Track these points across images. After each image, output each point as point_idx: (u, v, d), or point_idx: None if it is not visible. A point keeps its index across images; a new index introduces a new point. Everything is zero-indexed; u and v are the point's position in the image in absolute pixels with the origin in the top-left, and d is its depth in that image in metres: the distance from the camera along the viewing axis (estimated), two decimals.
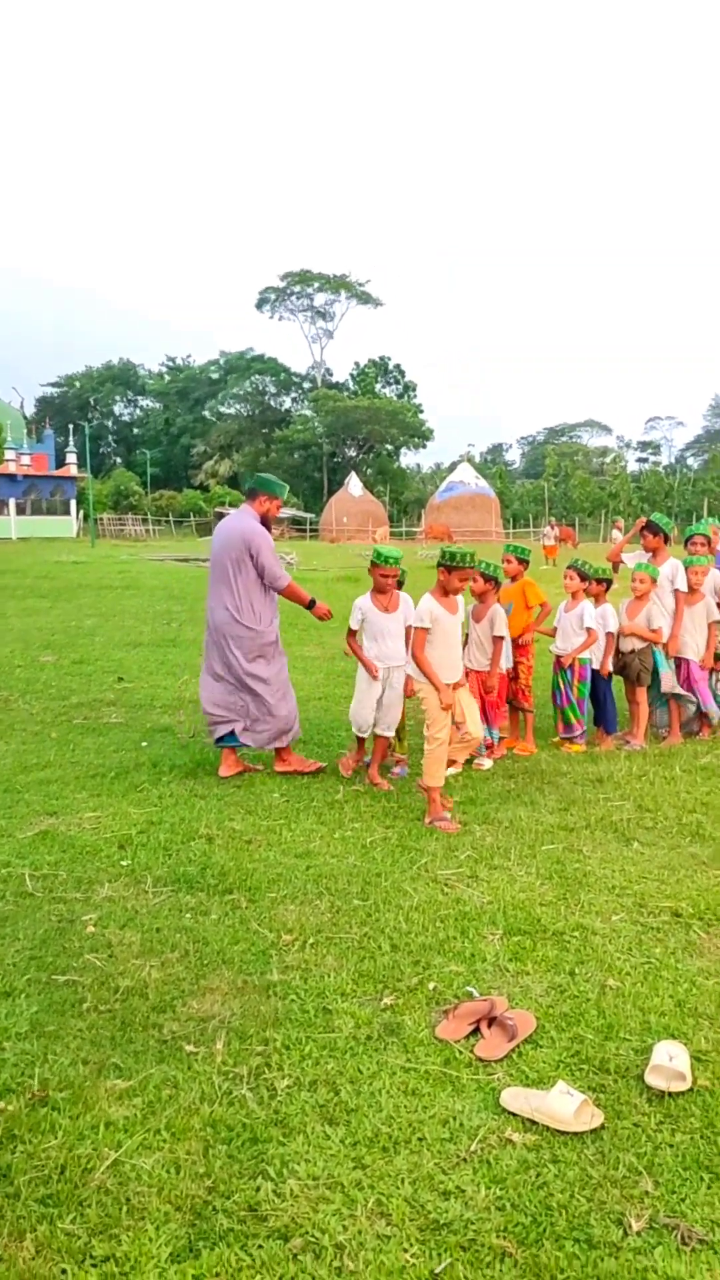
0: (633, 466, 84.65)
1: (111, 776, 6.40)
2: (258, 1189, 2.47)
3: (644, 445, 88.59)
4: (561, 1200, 2.44)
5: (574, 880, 4.63)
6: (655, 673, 7.53)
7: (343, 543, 55.73)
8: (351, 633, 6.55)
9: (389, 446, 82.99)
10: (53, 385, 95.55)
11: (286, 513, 67.29)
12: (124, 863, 4.79)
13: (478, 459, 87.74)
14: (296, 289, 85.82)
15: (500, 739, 7.19)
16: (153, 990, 3.50)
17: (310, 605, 6.57)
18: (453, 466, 71.59)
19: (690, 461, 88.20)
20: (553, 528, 36.81)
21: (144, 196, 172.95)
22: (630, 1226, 2.35)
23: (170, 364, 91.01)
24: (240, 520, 6.51)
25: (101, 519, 65.27)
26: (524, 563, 7.53)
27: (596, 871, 4.75)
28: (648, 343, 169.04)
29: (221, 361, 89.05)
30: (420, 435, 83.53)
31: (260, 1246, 2.28)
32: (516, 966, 3.72)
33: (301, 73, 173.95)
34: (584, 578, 7.31)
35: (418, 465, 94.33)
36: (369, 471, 75.91)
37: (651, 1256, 2.26)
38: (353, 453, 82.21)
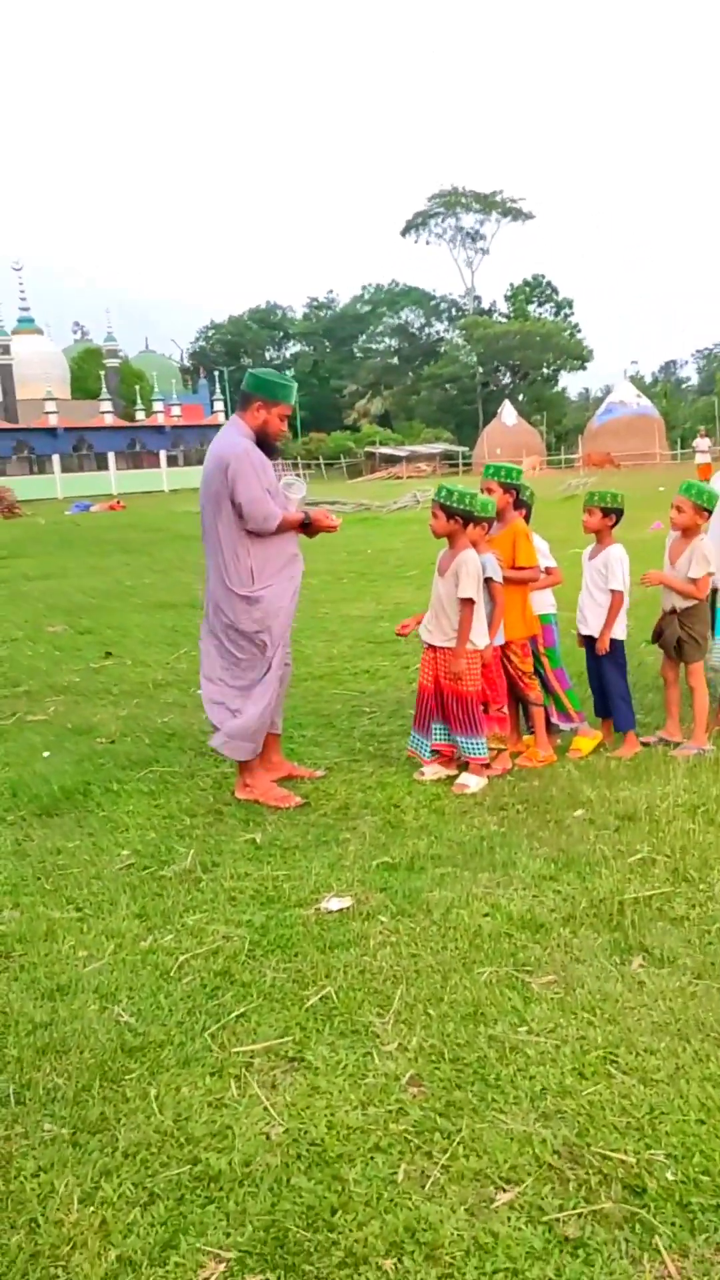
0: None
1: None
2: None
3: None
4: None
5: (473, 1076, 2.51)
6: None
7: None
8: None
9: (545, 371, 78.22)
10: (205, 333, 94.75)
11: (437, 447, 64.08)
12: None
13: (648, 379, 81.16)
14: (442, 210, 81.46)
15: (499, 749, 4.98)
16: None
17: (305, 525, 4.68)
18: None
19: None
20: (703, 437, 32.37)
21: (281, 141, 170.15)
22: None
23: (314, 303, 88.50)
24: (220, 440, 4.61)
25: None
26: (510, 489, 5.04)
27: (520, 1052, 2.60)
28: None
29: (366, 296, 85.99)
30: (578, 357, 78.19)
31: None
32: None
33: None
34: (606, 513, 5.01)
35: (585, 390, 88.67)
36: (524, 399, 71.52)
37: None
38: (507, 380, 78.01)
